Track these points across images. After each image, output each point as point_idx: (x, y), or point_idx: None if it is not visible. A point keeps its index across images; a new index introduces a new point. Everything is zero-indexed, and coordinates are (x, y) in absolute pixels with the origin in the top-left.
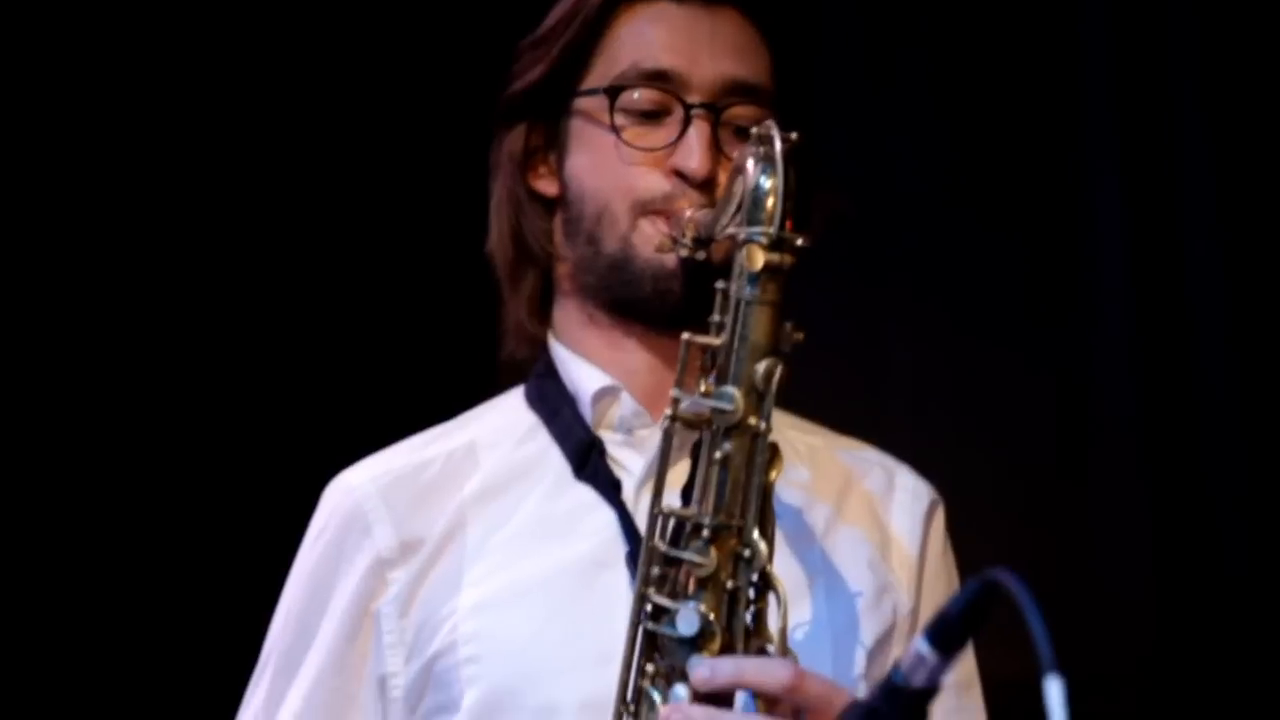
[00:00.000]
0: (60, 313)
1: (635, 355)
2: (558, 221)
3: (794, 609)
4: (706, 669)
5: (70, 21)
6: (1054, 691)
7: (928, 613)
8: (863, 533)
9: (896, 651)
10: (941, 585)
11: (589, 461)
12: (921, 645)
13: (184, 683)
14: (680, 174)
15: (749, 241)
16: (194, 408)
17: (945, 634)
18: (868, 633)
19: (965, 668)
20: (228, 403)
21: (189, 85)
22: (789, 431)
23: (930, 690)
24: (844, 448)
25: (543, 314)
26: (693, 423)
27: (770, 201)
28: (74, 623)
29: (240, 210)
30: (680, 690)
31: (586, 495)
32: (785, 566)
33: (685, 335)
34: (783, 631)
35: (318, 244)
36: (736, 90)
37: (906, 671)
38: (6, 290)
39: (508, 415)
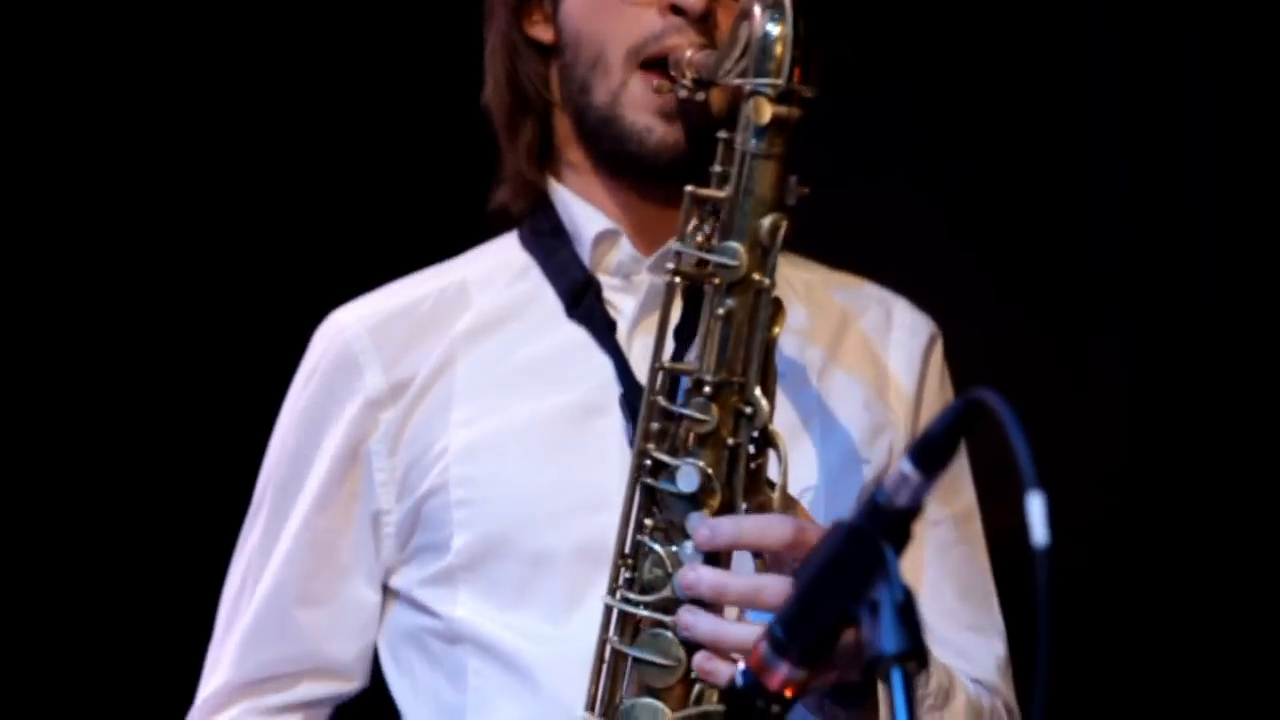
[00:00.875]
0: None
1: (634, 202)
2: (554, 68)
3: (790, 451)
4: (707, 530)
5: (70, 21)
6: (1035, 507)
7: None
8: (859, 372)
9: None
10: None
11: (584, 300)
12: (905, 465)
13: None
14: (676, 9)
15: (756, 93)
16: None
17: (928, 453)
18: (864, 471)
19: (964, 500)
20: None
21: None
22: (784, 268)
23: (914, 510)
24: (840, 284)
25: (541, 163)
26: (694, 277)
27: (778, 50)
28: (74, 617)
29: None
30: (689, 546)
31: (579, 335)
32: (781, 408)
33: (689, 188)
34: (783, 487)
35: (315, 92)
36: None
37: (890, 491)
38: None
39: (501, 256)
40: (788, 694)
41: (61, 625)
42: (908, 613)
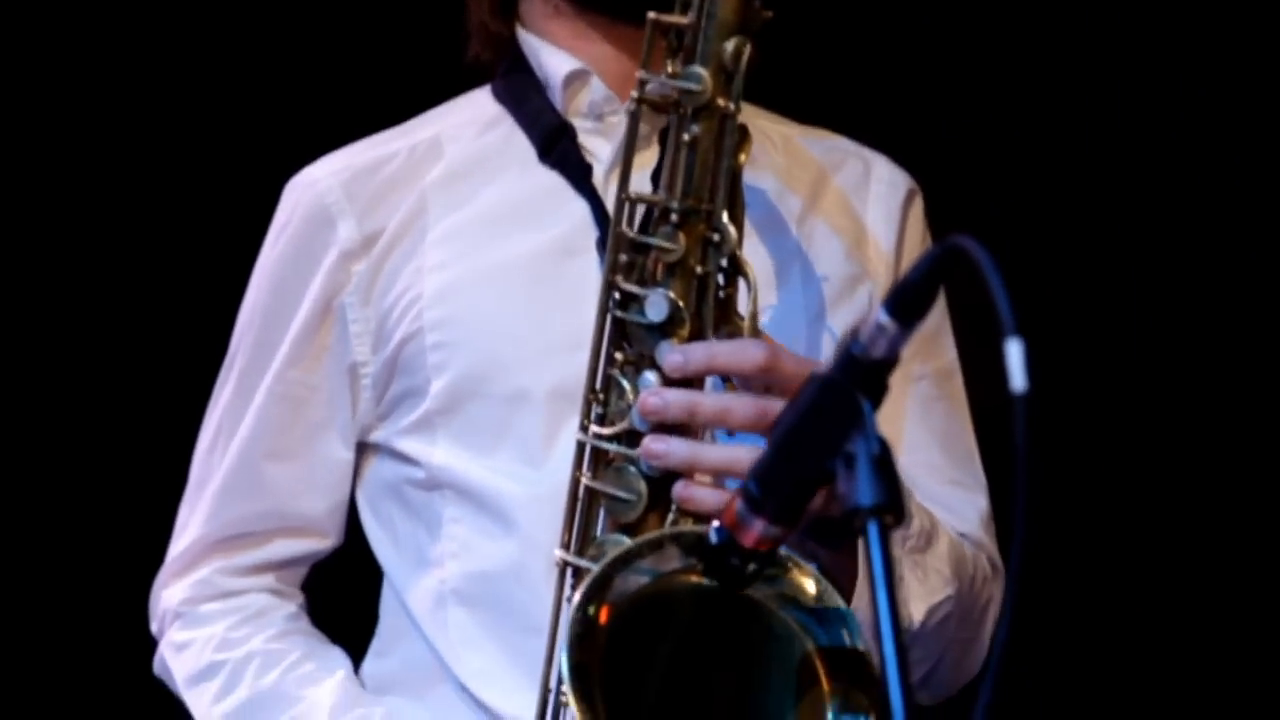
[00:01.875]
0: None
1: (602, 44)
2: None
3: (766, 297)
4: (679, 355)
5: (70, 21)
6: (1014, 354)
7: None
8: (837, 223)
9: None
10: None
11: (558, 145)
12: (881, 315)
13: None
14: None
15: None
16: None
17: (904, 302)
18: (841, 319)
19: (946, 357)
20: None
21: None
22: (760, 121)
23: (890, 361)
24: (818, 138)
25: (505, 10)
26: (660, 105)
27: None
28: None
29: None
30: (649, 376)
31: (554, 181)
32: (757, 255)
33: (651, 14)
34: (753, 315)
35: None
36: None
37: (866, 342)
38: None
39: (473, 110)
40: (762, 550)
41: (61, 624)
42: (884, 465)
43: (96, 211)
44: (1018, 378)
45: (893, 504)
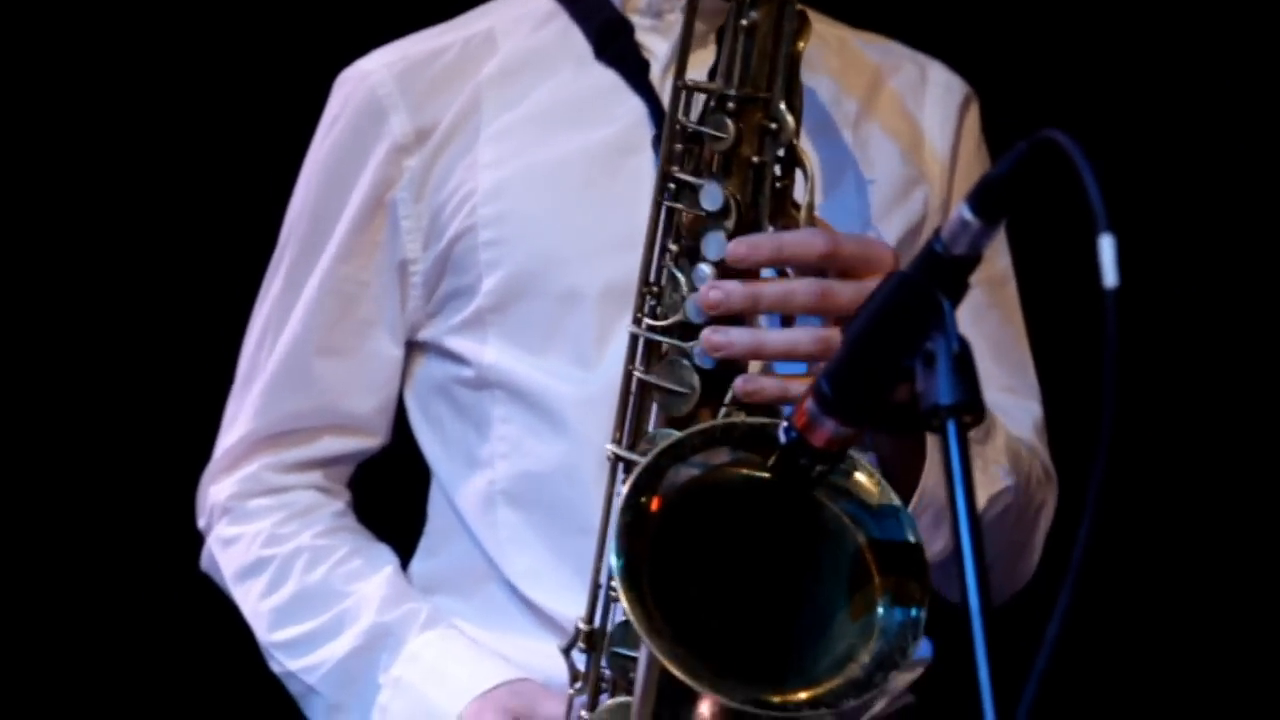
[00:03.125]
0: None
1: None
2: None
3: (825, 200)
4: (745, 246)
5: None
6: (1106, 249)
7: None
8: (893, 126)
9: None
10: (975, 178)
11: (615, 41)
12: (965, 211)
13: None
14: None
15: None
16: None
17: (990, 198)
18: (897, 222)
19: (999, 264)
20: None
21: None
22: (816, 24)
23: (973, 259)
24: (873, 41)
25: None
26: None
27: None
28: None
29: None
30: (704, 269)
31: (610, 78)
32: (815, 157)
33: None
34: (809, 206)
35: None
36: None
37: (947, 240)
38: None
39: (527, 4)
40: (833, 451)
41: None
42: (964, 364)
43: (99, 165)
44: (1110, 273)
45: (973, 403)
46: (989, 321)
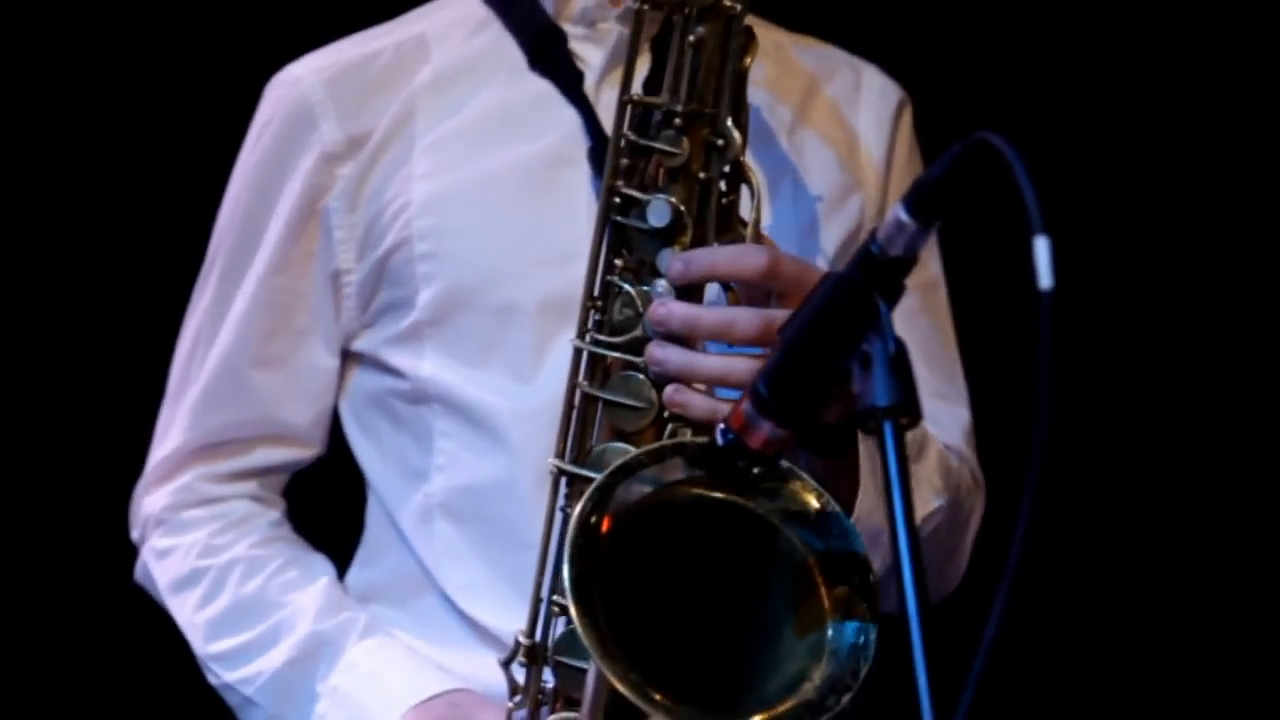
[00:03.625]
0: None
1: None
2: None
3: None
4: (680, 263)
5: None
6: (1041, 250)
7: None
8: (829, 133)
9: None
10: (909, 182)
11: (548, 51)
12: (900, 213)
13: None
14: None
15: None
16: None
17: (926, 199)
18: (834, 230)
19: (931, 269)
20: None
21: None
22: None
23: (908, 260)
24: (807, 46)
25: None
26: (662, 4)
27: None
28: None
29: None
30: (660, 284)
31: (544, 88)
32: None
33: None
34: (755, 222)
35: None
36: None
37: (883, 241)
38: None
39: (460, 9)
40: (769, 453)
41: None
42: (901, 365)
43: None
44: (1045, 275)
45: (909, 405)
46: (920, 327)
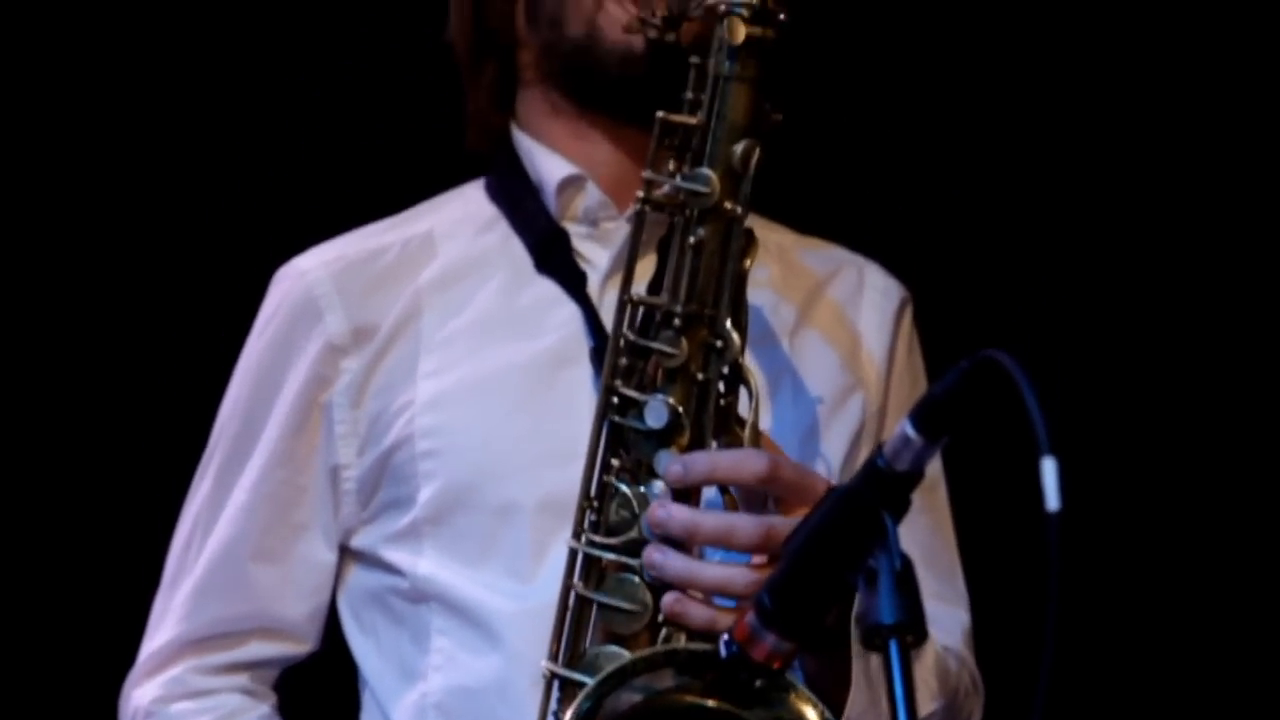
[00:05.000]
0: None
1: (601, 145)
2: (520, 5)
3: (762, 406)
4: (680, 466)
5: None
6: (1049, 472)
7: (895, 411)
8: (831, 333)
9: (865, 452)
10: (909, 382)
11: (553, 253)
12: (907, 428)
13: None
14: None
15: (730, 13)
16: None
17: (932, 415)
18: (835, 433)
19: (930, 469)
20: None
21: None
22: (756, 229)
23: (915, 475)
24: (812, 247)
25: (504, 104)
26: (664, 206)
27: None
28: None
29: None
30: (657, 486)
31: (549, 289)
32: (751, 366)
33: (660, 114)
34: (754, 424)
35: (287, 39)
36: None
37: (890, 456)
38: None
39: (468, 206)
40: (774, 666)
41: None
42: (906, 583)
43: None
44: (1052, 497)
45: (915, 623)
46: (919, 527)
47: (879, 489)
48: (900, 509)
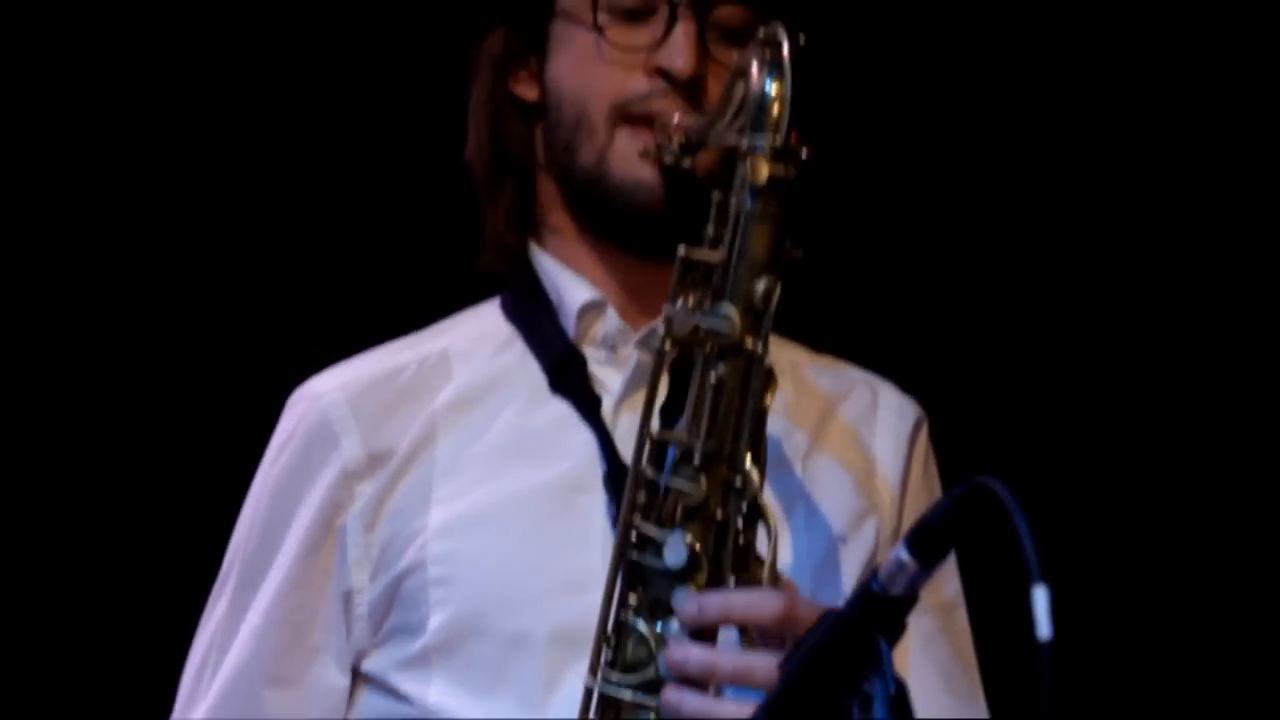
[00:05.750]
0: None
1: (621, 271)
2: (539, 129)
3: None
4: (695, 607)
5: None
6: (1040, 601)
7: None
8: (845, 456)
9: None
10: (924, 503)
11: (568, 375)
12: (901, 553)
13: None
14: (664, 73)
15: (752, 152)
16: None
17: (926, 541)
18: (851, 562)
19: (950, 589)
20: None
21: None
22: (771, 347)
23: (909, 599)
24: (824, 366)
25: (522, 225)
26: (685, 342)
27: (776, 109)
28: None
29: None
30: (675, 625)
31: (563, 411)
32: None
33: (681, 250)
34: (772, 563)
35: (299, 153)
36: None
37: (884, 580)
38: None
39: (484, 325)
40: None
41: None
42: (900, 707)
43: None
44: (1043, 626)
45: None
46: (939, 648)
47: (873, 613)
48: (895, 633)
